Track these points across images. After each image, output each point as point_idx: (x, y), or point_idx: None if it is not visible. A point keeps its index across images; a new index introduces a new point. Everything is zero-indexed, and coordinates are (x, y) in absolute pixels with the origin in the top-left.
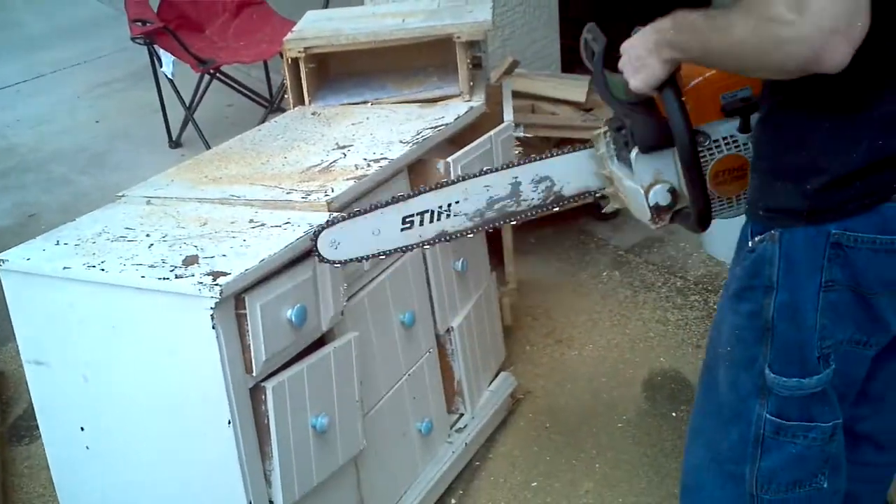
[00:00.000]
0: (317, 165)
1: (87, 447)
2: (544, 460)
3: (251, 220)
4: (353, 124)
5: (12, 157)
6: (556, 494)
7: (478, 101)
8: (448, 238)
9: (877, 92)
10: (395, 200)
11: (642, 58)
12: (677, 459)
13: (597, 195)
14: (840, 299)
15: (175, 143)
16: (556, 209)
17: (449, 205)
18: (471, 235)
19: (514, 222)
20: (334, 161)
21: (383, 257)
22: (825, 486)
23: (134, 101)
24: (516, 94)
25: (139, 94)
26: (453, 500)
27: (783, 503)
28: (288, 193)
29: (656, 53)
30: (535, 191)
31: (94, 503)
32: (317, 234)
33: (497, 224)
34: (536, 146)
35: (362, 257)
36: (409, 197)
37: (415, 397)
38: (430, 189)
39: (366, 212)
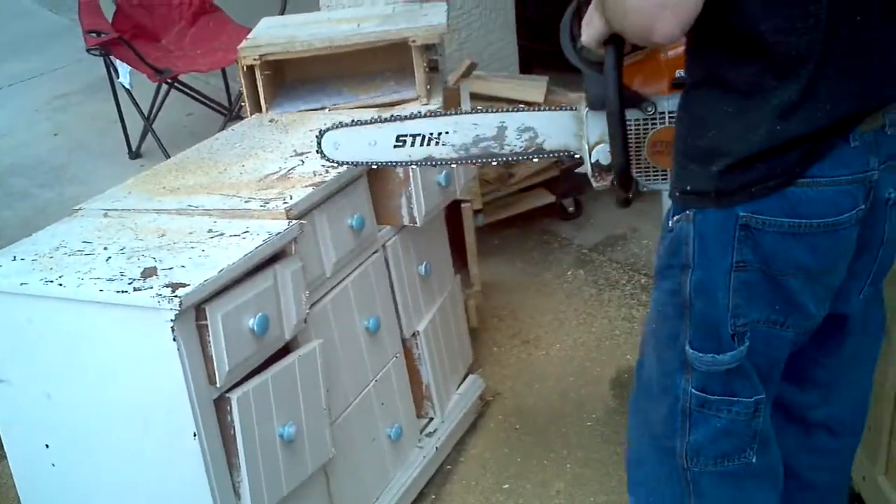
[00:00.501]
0: (275, 173)
1: (53, 464)
2: (515, 462)
3: (210, 230)
4: (310, 130)
5: None
6: (527, 496)
7: (435, 104)
8: (434, 163)
9: (775, 79)
10: (394, 119)
11: (591, 13)
12: None
13: (575, 156)
14: (751, 279)
15: (135, 154)
16: (535, 160)
17: (440, 133)
18: (454, 166)
19: (494, 163)
20: (292, 168)
21: (375, 167)
22: (754, 461)
23: (92, 113)
24: (474, 97)
25: (97, 105)
26: None
27: (713, 477)
28: (246, 202)
29: (600, 9)
30: (518, 138)
31: None
32: (322, 133)
33: (478, 161)
34: None
35: (357, 162)
36: (407, 118)
37: (383, 403)
38: (426, 116)
39: (367, 123)
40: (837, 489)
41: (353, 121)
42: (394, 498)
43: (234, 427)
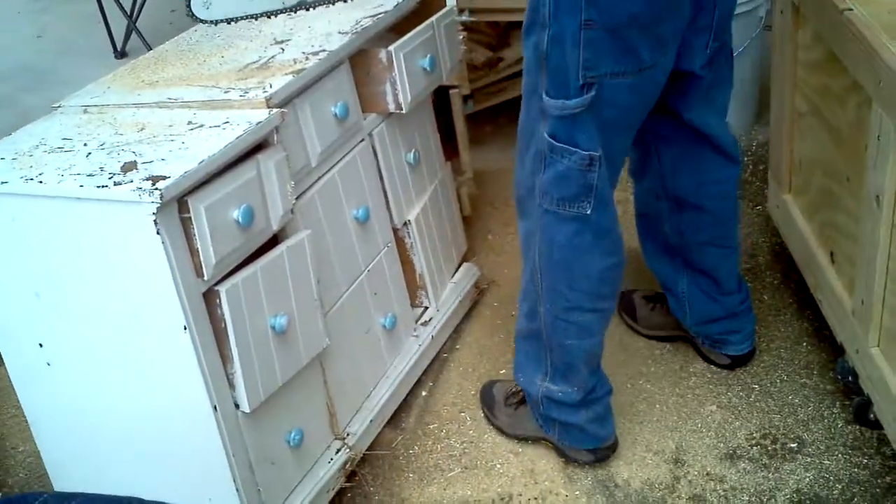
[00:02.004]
0: (254, 62)
1: (48, 363)
2: (511, 348)
3: (189, 122)
4: (290, 18)
5: None
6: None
7: None
8: (308, 6)
9: None
10: None
11: None
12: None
13: None
14: (597, 36)
15: (120, 54)
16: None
17: None
18: (326, 6)
19: (468, 111)
20: (272, 57)
21: (253, 20)
22: (589, 213)
23: (75, 14)
24: None
25: (80, 6)
26: (424, 393)
27: (556, 216)
28: (226, 92)
29: None
30: None
31: (59, 418)
32: None
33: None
34: (483, 31)
35: (232, 18)
36: None
37: (376, 293)
38: None
39: None
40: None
41: None
42: (391, 386)
43: (224, 319)
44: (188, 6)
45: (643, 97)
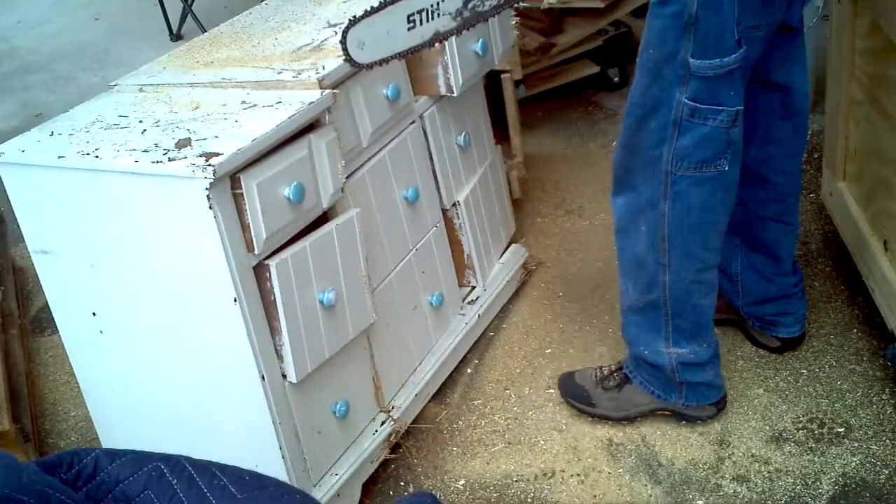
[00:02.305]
0: (308, 45)
1: (101, 332)
2: (558, 328)
3: (243, 102)
4: (344, 2)
5: (14, 58)
6: (570, 359)
7: None
8: (441, 38)
9: None
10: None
11: None
12: None
13: None
14: None
15: (176, 36)
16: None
17: (436, 2)
18: (456, 36)
19: (485, 19)
20: (325, 39)
21: (400, 59)
22: (727, 169)
23: None
24: None
25: None
26: (469, 370)
27: (691, 181)
28: (279, 73)
29: None
30: None
31: (111, 385)
32: (345, 36)
33: (473, 23)
34: (536, 17)
35: (383, 59)
36: None
37: (424, 271)
38: None
39: (378, 10)
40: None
41: (365, 11)
42: (437, 362)
43: (273, 293)
44: (345, 49)
45: (760, 51)
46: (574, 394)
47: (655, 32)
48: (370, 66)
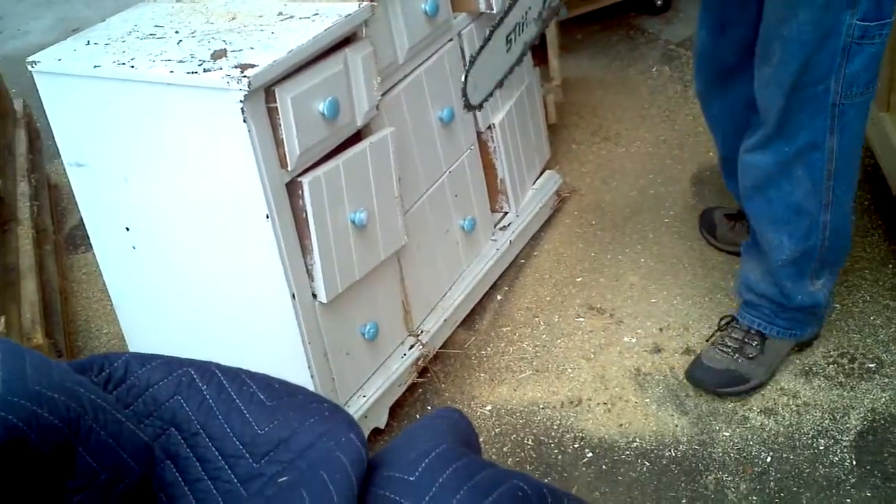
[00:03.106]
0: None
1: (134, 247)
2: (589, 256)
3: (280, 13)
4: None
5: None
6: (600, 288)
7: None
8: (530, 47)
9: None
10: (497, 25)
11: None
12: (722, 253)
13: None
14: None
15: None
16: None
17: (525, 13)
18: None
19: (557, 12)
20: None
21: (502, 86)
22: (877, 84)
23: None
24: None
25: None
26: (499, 297)
27: (857, 107)
28: None
29: None
30: None
31: (143, 301)
32: (465, 82)
33: (549, 21)
34: None
35: (493, 90)
36: (503, 17)
37: (457, 195)
38: (510, 7)
39: (484, 44)
40: None
41: (475, 51)
42: (467, 288)
43: (305, 211)
44: (465, 98)
45: None
46: (724, 381)
47: None
48: (480, 105)
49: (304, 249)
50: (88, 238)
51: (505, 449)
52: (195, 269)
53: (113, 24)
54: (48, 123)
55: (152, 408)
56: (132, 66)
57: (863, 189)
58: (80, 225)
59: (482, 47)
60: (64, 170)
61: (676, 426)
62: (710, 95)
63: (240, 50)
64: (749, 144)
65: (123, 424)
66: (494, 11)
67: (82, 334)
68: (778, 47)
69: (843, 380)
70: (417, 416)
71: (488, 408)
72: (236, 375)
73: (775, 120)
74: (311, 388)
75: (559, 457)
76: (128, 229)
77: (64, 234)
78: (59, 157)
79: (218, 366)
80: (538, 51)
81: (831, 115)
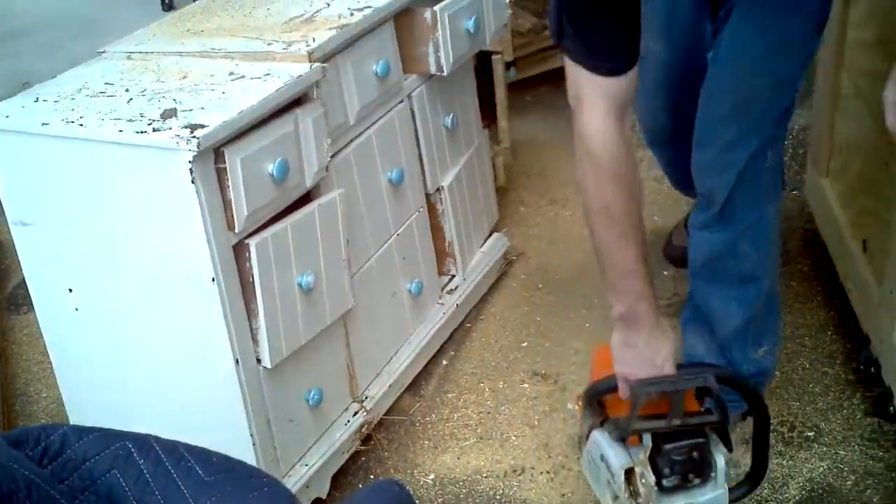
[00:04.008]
0: (300, 16)
1: (76, 308)
2: (535, 321)
3: (231, 73)
4: None
5: (3, 25)
6: (545, 353)
7: None
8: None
9: None
10: None
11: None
12: (669, 317)
13: None
14: None
15: (168, 6)
16: None
17: None
18: None
19: (510, 80)
20: (317, 11)
21: None
22: None
23: None
24: None
25: None
26: (445, 361)
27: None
28: (269, 45)
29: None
30: None
31: (84, 365)
32: None
33: None
34: None
35: None
36: None
37: (404, 258)
38: None
39: None
40: None
41: None
42: (413, 352)
43: (252, 273)
44: None
45: None
46: None
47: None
48: None
49: (250, 313)
50: (31, 298)
51: None
52: (138, 331)
53: (63, 81)
54: None
55: (88, 482)
56: (81, 125)
57: (803, 255)
58: (22, 284)
59: None
60: (7, 228)
61: None
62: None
63: (190, 110)
64: (698, 222)
65: (58, 502)
66: (445, 74)
67: (21, 398)
68: (729, 131)
69: (783, 448)
70: (360, 486)
71: (431, 477)
72: (174, 449)
73: (721, 204)
74: (252, 456)
75: None
76: (71, 290)
77: (5, 294)
78: (3, 214)
79: (157, 439)
80: (487, 112)
81: (772, 186)
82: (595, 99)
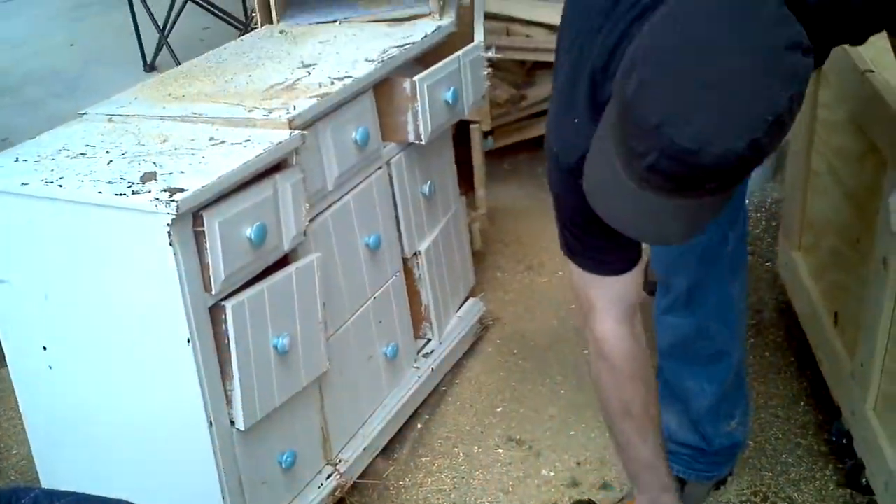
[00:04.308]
0: (280, 84)
1: (50, 367)
2: (510, 386)
3: (211, 138)
4: (319, 42)
5: None
6: (520, 419)
7: (448, 20)
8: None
9: None
10: None
11: None
12: None
13: None
14: None
15: (150, 67)
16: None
17: None
18: None
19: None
20: (298, 79)
21: None
22: None
23: (109, 24)
24: (490, 16)
25: (114, 16)
26: (419, 425)
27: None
28: (250, 111)
29: None
30: None
31: (56, 422)
32: None
33: None
34: (509, 69)
35: None
36: None
37: (381, 321)
38: None
39: None
40: None
41: None
42: (387, 416)
43: (227, 335)
44: None
45: None
46: None
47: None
48: None
49: (224, 374)
50: (4, 354)
51: None
52: (112, 391)
53: (43, 142)
54: None
55: None
56: (60, 185)
57: (776, 327)
58: None
59: None
60: None
61: None
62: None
63: (170, 173)
64: (662, 306)
65: None
66: (424, 142)
67: None
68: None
69: None
70: None
71: None
72: None
73: (685, 290)
74: None
75: None
76: (45, 348)
77: None
78: None
79: (129, 503)
80: (465, 179)
81: (735, 264)
82: (606, 303)
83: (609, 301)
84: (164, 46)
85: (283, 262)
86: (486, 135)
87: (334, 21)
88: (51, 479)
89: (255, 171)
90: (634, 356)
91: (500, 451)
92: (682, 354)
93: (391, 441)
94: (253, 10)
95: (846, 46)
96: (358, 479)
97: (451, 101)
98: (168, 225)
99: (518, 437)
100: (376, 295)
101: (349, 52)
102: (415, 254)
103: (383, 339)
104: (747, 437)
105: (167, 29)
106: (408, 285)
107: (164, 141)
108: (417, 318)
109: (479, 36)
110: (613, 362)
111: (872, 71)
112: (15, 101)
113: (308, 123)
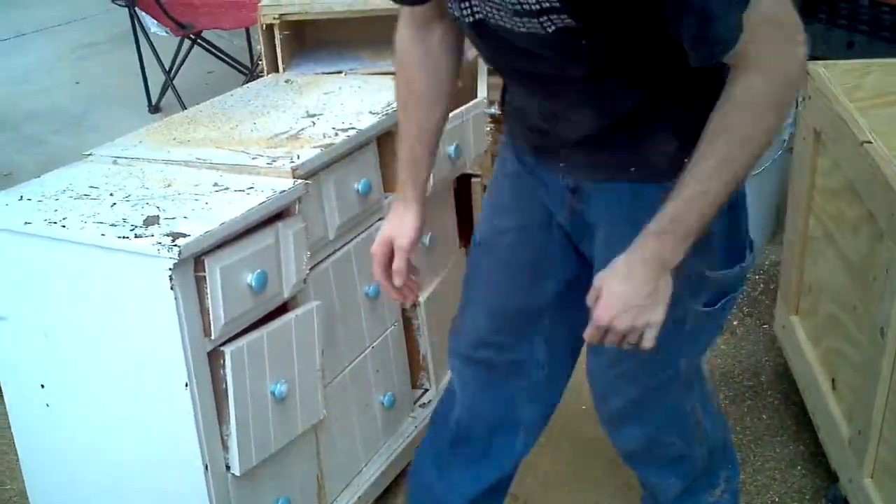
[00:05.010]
0: (285, 132)
1: (47, 405)
2: None
3: (215, 184)
4: (325, 93)
5: None
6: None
7: None
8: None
9: None
10: None
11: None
12: None
13: None
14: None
15: (154, 108)
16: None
17: None
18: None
19: None
20: (303, 129)
21: None
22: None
23: (115, 64)
24: (493, 71)
25: (121, 57)
26: None
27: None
28: (254, 159)
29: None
30: None
31: (52, 460)
32: None
33: None
34: None
35: None
36: None
37: (378, 370)
38: None
39: None
40: None
41: None
42: (383, 465)
43: (226, 380)
44: None
45: None
46: None
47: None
48: None
49: (221, 419)
50: (1, 390)
51: None
52: (107, 431)
53: (48, 182)
54: None
55: None
56: (63, 226)
57: (774, 389)
58: None
59: None
60: None
61: None
62: None
63: (173, 218)
64: (605, 419)
65: None
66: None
67: None
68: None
69: None
70: None
71: None
72: None
73: (621, 407)
74: None
75: None
76: (43, 386)
77: None
78: None
79: None
80: (465, 232)
81: (692, 386)
82: (401, 20)
83: (404, 16)
84: (170, 88)
85: (282, 308)
86: (485, 188)
87: (340, 72)
88: None
89: (258, 219)
90: (415, 61)
91: None
92: (641, 460)
93: (387, 490)
94: (259, 57)
95: (845, 117)
96: None
97: (453, 156)
98: (170, 269)
99: (513, 491)
100: (374, 344)
101: (354, 103)
102: (414, 304)
103: (381, 387)
104: (738, 496)
105: (173, 71)
106: (406, 335)
107: (168, 185)
108: (415, 367)
109: (482, 92)
110: (398, 68)
111: (871, 142)
112: (17, 137)
113: (311, 173)
